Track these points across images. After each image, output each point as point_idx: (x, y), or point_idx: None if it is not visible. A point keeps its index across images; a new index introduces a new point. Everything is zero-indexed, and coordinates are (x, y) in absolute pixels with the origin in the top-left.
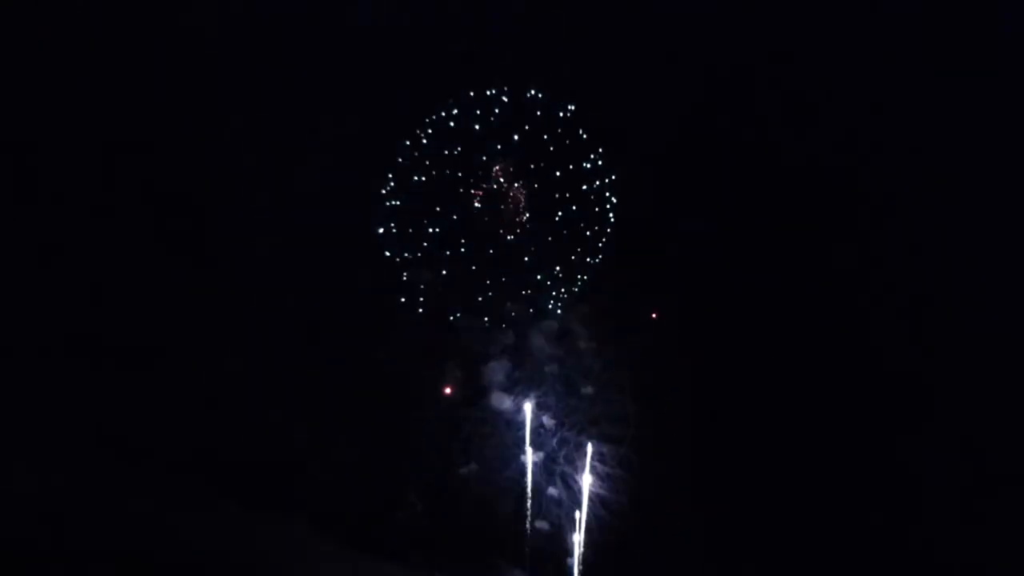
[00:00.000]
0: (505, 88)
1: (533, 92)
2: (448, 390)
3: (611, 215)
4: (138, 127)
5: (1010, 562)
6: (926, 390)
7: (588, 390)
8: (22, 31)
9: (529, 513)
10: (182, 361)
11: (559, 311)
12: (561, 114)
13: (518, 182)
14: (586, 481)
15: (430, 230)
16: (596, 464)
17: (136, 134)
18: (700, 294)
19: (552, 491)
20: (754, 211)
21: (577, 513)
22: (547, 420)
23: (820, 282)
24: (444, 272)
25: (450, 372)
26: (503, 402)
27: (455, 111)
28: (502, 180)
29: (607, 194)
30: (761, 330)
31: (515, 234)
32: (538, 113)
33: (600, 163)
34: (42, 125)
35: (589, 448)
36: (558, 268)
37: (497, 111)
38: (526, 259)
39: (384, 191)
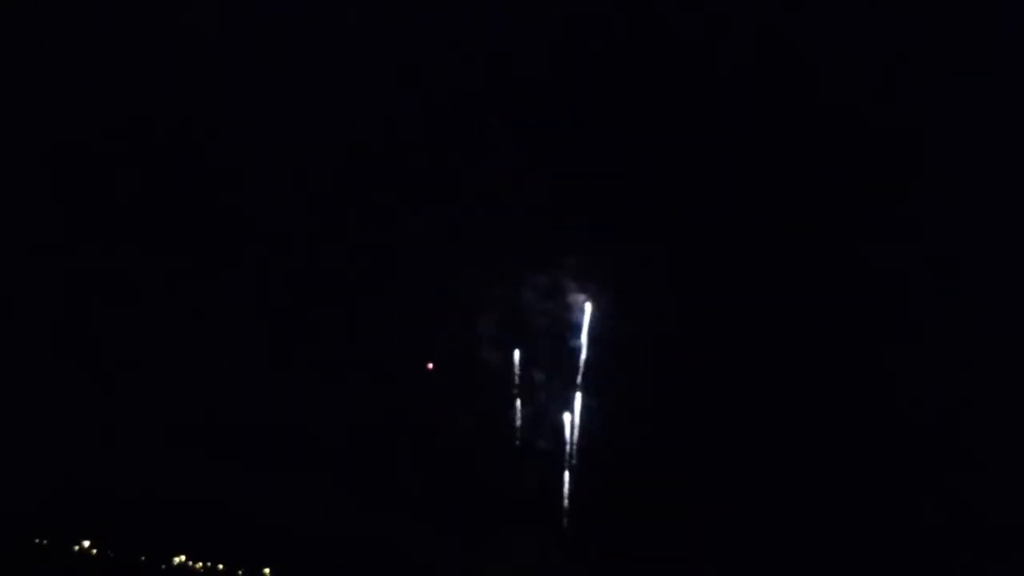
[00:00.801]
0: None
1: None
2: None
3: None
4: (136, 127)
5: (1010, 561)
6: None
7: (578, 343)
8: (21, 31)
9: (518, 467)
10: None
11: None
12: None
13: None
14: (575, 434)
15: None
16: (585, 418)
17: (134, 134)
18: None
19: (541, 444)
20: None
21: (565, 467)
22: (536, 374)
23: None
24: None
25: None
26: (492, 356)
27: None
28: None
29: None
30: (753, 278)
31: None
32: None
33: None
34: (40, 125)
35: (578, 401)
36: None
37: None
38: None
39: None
